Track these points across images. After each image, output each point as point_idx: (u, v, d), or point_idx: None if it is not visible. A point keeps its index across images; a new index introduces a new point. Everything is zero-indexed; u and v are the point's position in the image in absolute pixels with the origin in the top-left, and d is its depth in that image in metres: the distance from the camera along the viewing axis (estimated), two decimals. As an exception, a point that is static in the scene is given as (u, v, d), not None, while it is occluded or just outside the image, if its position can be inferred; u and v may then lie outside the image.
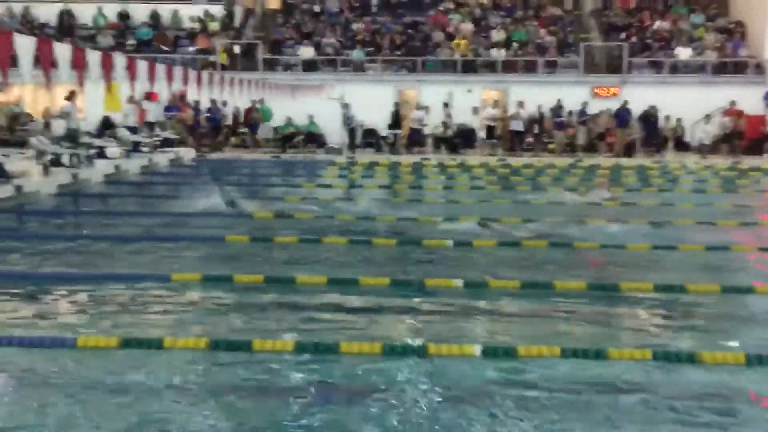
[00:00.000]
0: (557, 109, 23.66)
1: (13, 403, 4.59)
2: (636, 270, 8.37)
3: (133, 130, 20.02)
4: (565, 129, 23.49)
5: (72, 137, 16.22)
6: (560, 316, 6.68)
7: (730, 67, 25.51)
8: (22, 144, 20.51)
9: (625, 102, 23.41)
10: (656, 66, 25.90)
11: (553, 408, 4.59)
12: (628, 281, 7.45)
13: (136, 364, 5.18)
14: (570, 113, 23.62)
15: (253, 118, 23.89)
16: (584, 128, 23.63)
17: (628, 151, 23.09)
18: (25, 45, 9.13)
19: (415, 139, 23.79)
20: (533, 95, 23.71)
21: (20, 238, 9.76)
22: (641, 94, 23.80)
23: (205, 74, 16.40)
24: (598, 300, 7.10)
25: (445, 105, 23.97)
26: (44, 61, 9.31)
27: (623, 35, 26.90)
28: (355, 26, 28.27)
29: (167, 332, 5.81)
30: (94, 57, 10.67)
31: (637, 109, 23.50)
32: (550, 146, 23.71)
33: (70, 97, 15.88)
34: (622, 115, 23.21)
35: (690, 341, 5.97)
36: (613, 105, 23.91)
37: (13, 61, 9.41)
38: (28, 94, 25.37)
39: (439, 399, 4.70)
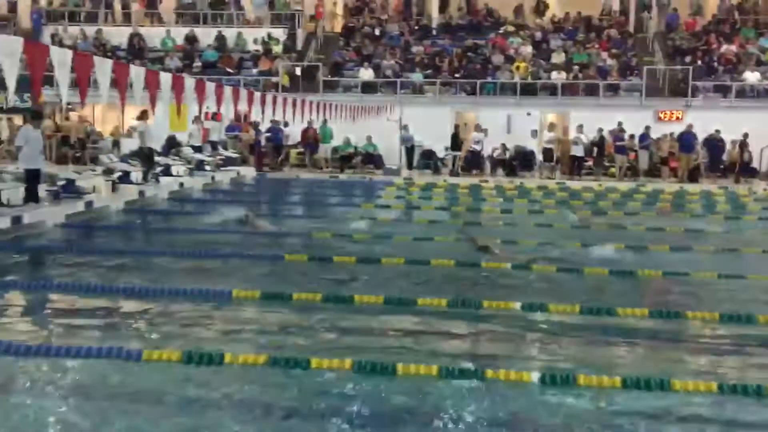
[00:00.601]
0: (618, 133, 23.27)
1: (80, 412, 4.74)
2: (701, 299, 8.15)
3: (196, 149, 20.59)
4: (626, 153, 23.09)
5: (145, 155, 16.77)
6: (621, 344, 6.55)
7: (801, 92, 24.69)
8: (93, 161, 21.36)
9: (690, 126, 22.87)
10: (722, 90, 25.26)
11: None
12: (693, 310, 7.26)
13: (198, 378, 5.31)
14: (632, 137, 23.20)
15: (309, 138, 24.25)
16: (646, 152, 23.16)
17: (693, 176, 22.54)
18: (103, 67, 9.55)
19: (473, 162, 23.74)
20: (594, 119, 23.36)
21: (89, 253, 10.11)
22: (706, 119, 23.21)
23: (268, 95, 16.75)
24: (661, 328, 6.94)
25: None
26: (120, 83, 9.70)
27: (688, 58, 26.37)
28: (414, 49, 28.50)
29: (228, 347, 5.92)
30: (165, 79, 11.04)
31: (701, 133, 22.94)
32: (611, 170, 23.33)
33: (142, 116, 16.41)
34: (686, 140, 22.67)
35: (757, 374, 5.77)
36: (677, 129, 23.38)
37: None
38: (97, 114, 26.40)
39: (495, 425, 4.67)
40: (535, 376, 5.18)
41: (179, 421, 4.61)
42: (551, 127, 23.83)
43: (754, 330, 6.83)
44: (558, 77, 25.89)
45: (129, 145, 22.20)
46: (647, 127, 23.20)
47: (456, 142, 23.59)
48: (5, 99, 23.18)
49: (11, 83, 8.27)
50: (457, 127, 24.16)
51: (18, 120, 24.81)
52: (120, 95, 9.85)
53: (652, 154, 23.25)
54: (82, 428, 4.49)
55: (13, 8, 31.12)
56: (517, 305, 7.22)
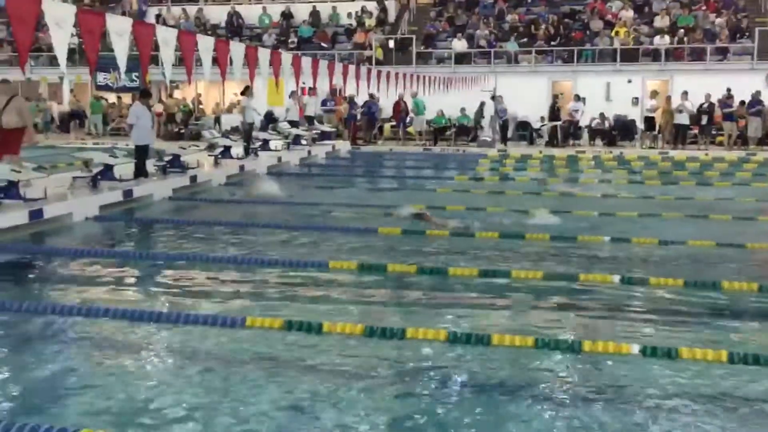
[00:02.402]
0: (726, 99, 22.04)
1: (185, 375, 5.01)
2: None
3: (293, 123, 21.03)
4: (735, 120, 21.84)
5: (247, 131, 17.29)
6: (728, 318, 6.29)
7: None
8: (196, 137, 22.23)
9: (808, 90, 21.41)
10: None
11: (716, 417, 4.36)
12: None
13: (297, 345, 5.50)
14: (742, 103, 21.91)
15: (401, 111, 24.27)
16: (758, 119, 21.83)
17: (810, 144, 21.15)
18: (205, 45, 9.87)
19: (571, 132, 23.12)
20: (700, 84, 22.23)
21: (194, 224, 10.56)
22: (826, 82, 21.67)
23: (362, 69, 16.87)
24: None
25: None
26: (221, 60, 10.01)
27: (806, 17, 24.62)
28: (509, 17, 27.90)
29: (325, 316, 6.09)
30: (264, 54, 11.31)
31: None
32: (719, 139, 22.18)
33: (245, 91, 16.84)
34: (803, 105, 21.26)
35: None
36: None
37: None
38: (198, 91, 27.36)
39: (593, 397, 4.61)
40: (635, 348, 5.06)
41: (279, 386, 4.79)
42: (653, 94, 22.84)
43: None
44: (661, 42, 24.73)
45: (229, 120, 22.96)
46: (757, 92, 21.84)
47: (554, 112, 23.01)
48: (116, 78, 24.41)
49: (122, 62, 8.70)
50: (555, 97, 23.55)
51: (127, 99, 26.12)
52: (221, 72, 10.17)
53: (764, 121, 21.90)
54: (187, 391, 4.73)
55: (120, -9, 32.57)
56: (616, 279, 7.06)
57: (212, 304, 6.66)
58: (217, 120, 24.77)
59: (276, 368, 5.09)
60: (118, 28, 8.72)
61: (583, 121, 23.17)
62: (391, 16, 29.30)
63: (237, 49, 10.62)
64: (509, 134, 23.86)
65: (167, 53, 9.22)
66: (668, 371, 4.93)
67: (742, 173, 16.41)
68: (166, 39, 9.22)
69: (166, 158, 13.84)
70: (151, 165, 13.13)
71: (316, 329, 5.62)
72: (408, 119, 24.57)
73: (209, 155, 15.88)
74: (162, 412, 4.41)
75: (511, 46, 25.97)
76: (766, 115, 21.88)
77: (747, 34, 24.64)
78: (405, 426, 4.29)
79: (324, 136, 21.95)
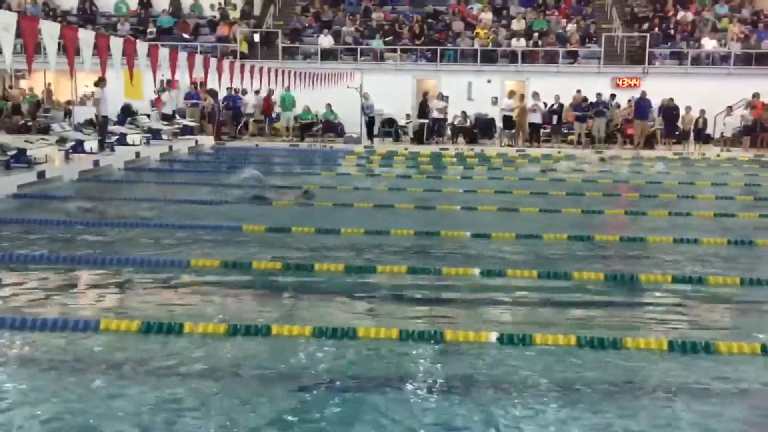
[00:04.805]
0: (580, 102, 23.43)
1: (34, 387, 4.66)
2: (655, 262, 8.33)
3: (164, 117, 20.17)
4: (584, 120, 23.28)
5: (101, 124, 16.35)
6: (577, 306, 6.67)
7: (755, 59, 25.15)
8: (44, 130, 20.81)
9: (644, 93, 23.14)
10: (679, 57, 25.60)
11: (565, 397, 4.60)
12: (647, 273, 7.43)
13: (157, 348, 5.26)
14: (590, 104, 23.39)
15: (270, 106, 23.93)
16: (602, 119, 23.37)
17: (649, 142, 22.88)
18: (50, 31, 9.18)
19: (434, 129, 23.70)
20: (553, 86, 23.51)
21: (42, 224, 9.87)
22: (663, 86, 23.53)
23: (225, 62, 16.44)
24: (615, 291, 7.09)
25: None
26: (69, 48, 9.36)
27: (646, 25, 26.62)
28: (374, 15, 28.21)
29: (187, 317, 5.87)
30: (116, 44, 10.71)
31: (659, 100, 23.24)
32: (570, 137, 23.54)
33: (99, 83, 15.93)
34: (642, 106, 22.96)
35: (708, 332, 5.94)
36: (634, 96, 23.66)
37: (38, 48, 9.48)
38: (47, 82, 25.63)
39: (454, 385, 4.73)
40: (493, 336, 5.25)
41: (138, 392, 4.56)
42: (511, 94, 23.88)
43: (703, 290, 7.04)
44: (518, 44, 25.92)
45: (82, 113, 21.67)
46: (599, 95, 23.31)
47: (424, 111, 23.37)
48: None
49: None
50: (425, 94, 24.02)
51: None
52: (68, 61, 9.53)
53: (609, 121, 23.47)
54: (38, 400, 4.42)
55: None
56: (476, 271, 7.31)
57: (62, 307, 6.24)
58: (68, 112, 23.32)
59: (133, 374, 4.83)
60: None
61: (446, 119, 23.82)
62: (257, 9, 28.80)
63: (86, 36, 9.97)
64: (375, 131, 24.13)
65: (6, 39, 8.51)
66: (523, 357, 5.15)
67: (591, 169, 17.50)
68: (6, 24, 8.51)
69: (10, 152, 12.85)
70: (-8, 160, 12.15)
71: (177, 330, 5.41)
72: (274, 114, 24.25)
73: (59, 149, 14.92)
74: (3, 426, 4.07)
75: (377, 44, 26.29)
76: (610, 116, 23.46)
77: (594, 39, 26.34)
78: (271, 425, 4.20)
79: (186, 130, 21.22)
